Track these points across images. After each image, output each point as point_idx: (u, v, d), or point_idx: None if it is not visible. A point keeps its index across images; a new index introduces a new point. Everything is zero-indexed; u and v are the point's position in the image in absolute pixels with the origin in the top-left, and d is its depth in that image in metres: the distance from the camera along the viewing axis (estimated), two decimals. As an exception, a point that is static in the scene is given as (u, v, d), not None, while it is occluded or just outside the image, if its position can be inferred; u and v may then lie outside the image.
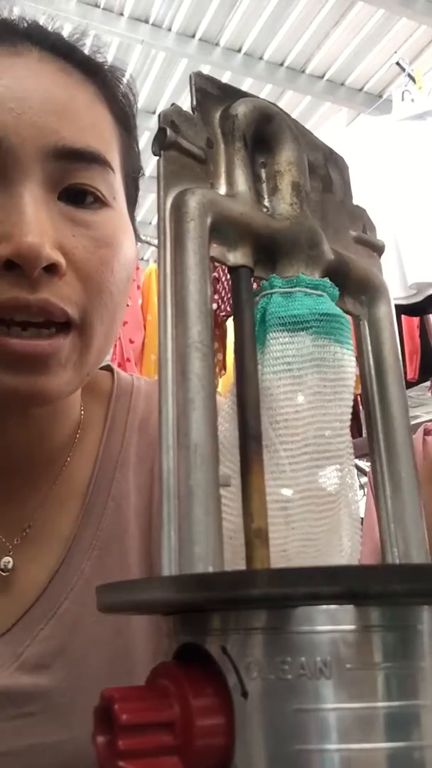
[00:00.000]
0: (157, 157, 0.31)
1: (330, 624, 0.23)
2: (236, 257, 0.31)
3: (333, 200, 0.37)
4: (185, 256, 0.29)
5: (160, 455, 0.26)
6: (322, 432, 0.30)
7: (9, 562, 0.53)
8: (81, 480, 0.57)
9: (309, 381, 0.30)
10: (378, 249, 0.38)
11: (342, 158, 0.39)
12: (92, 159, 0.47)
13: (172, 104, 0.32)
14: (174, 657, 0.25)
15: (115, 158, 0.51)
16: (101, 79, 0.52)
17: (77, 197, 0.47)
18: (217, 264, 0.31)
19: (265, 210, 0.33)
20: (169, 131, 0.30)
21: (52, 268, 0.45)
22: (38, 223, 0.44)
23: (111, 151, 0.50)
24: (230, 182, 0.32)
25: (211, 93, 0.33)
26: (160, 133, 0.31)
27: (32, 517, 0.55)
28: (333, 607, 0.23)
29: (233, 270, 0.32)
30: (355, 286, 0.35)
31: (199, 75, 0.34)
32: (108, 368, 0.65)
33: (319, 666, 0.23)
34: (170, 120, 0.31)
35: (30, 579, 0.54)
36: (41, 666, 0.52)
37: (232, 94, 0.35)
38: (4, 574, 0.53)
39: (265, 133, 0.34)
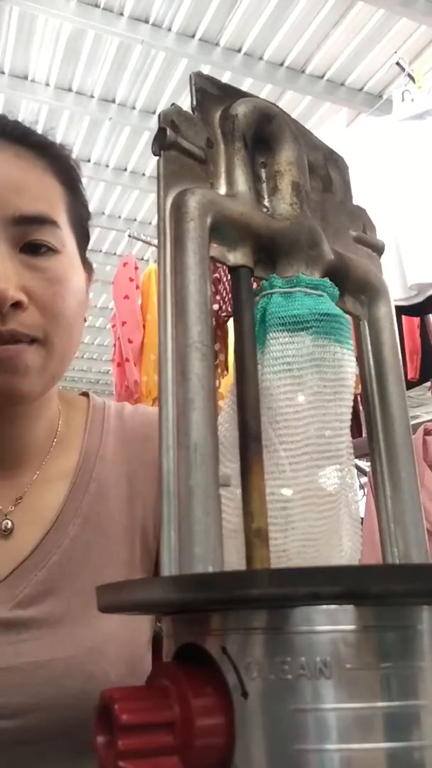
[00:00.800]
0: (157, 157, 0.31)
1: (330, 624, 0.23)
2: (236, 257, 0.31)
3: (333, 200, 0.37)
4: (185, 256, 0.29)
5: (160, 455, 0.26)
6: (322, 432, 0.30)
7: (9, 523, 0.68)
8: (67, 467, 0.73)
9: (309, 381, 0.30)
10: (378, 249, 0.38)
11: (342, 158, 0.39)
12: (43, 221, 0.63)
13: (172, 104, 0.32)
14: (174, 657, 0.25)
15: (61, 216, 0.65)
16: (49, 155, 0.67)
17: (34, 249, 0.63)
18: (218, 264, 0.31)
19: (265, 210, 0.33)
20: (169, 131, 0.30)
21: (17, 305, 0.60)
22: (5, 272, 0.59)
23: (58, 211, 0.65)
24: (230, 182, 0.32)
25: (211, 93, 0.33)
26: (160, 133, 0.31)
27: (23, 491, 0.70)
28: (333, 607, 0.23)
29: (233, 270, 0.31)
30: (355, 286, 0.35)
31: (199, 75, 0.34)
32: (85, 394, 0.83)
33: (319, 666, 0.22)
34: (170, 120, 0.31)
35: (26, 538, 0.68)
36: (34, 603, 0.65)
37: (232, 94, 0.35)
38: (5, 533, 0.68)
39: (265, 133, 0.34)
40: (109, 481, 0.73)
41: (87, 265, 0.73)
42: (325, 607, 0.23)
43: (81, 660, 0.64)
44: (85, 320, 0.72)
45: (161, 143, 0.30)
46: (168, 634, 0.26)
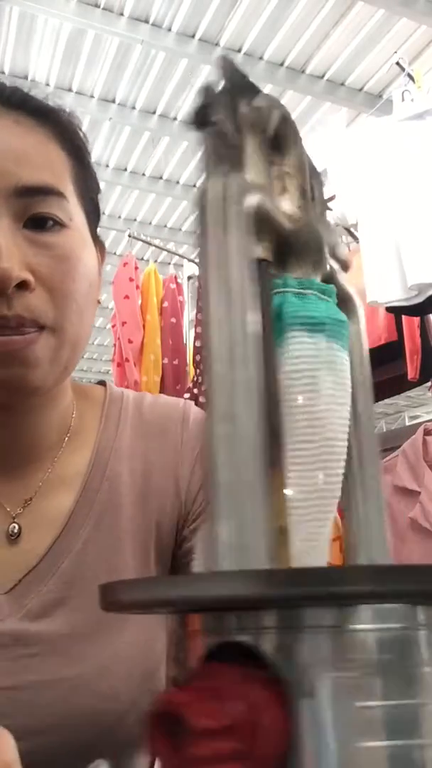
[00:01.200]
0: (201, 133, 0.29)
1: (394, 622, 0.23)
2: (259, 251, 0.30)
3: (316, 212, 0.37)
4: (231, 241, 0.28)
5: (210, 447, 0.26)
6: (333, 434, 0.30)
7: (15, 527, 0.63)
8: (80, 464, 0.67)
9: (323, 382, 0.30)
10: (346, 267, 0.37)
11: (319, 172, 0.39)
12: (47, 192, 0.57)
13: (205, 86, 0.30)
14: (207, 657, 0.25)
15: (68, 187, 0.60)
16: (52, 121, 0.61)
17: (39, 223, 0.57)
18: None
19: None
20: (211, 107, 0.29)
21: (22, 285, 0.55)
22: (8, 250, 0.54)
23: (64, 181, 0.59)
24: (254, 174, 0.31)
25: (238, 81, 0.32)
26: (203, 109, 0.29)
27: (33, 492, 0.65)
28: (398, 605, 0.23)
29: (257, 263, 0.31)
30: (339, 298, 0.35)
31: (226, 59, 0.32)
32: (102, 383, 0.76)
33: (383, 663, 0.23)
34: (212, 95, 0.29)
35: (35, 543, 0.63)
36: (43, 615, 0.60)
37: (252, 86, 0.33)
38: (12, 537, 0.63)
39: (279, 133, 0.33)
40: (123, 478, 0.68)
41: (98, 244, 0.66)
42: (388, 605, 0.23)
43: (90, 678, 0.59)
44: (98, 302, 0.68)
45: (203, 119, 0.28)
46: (195, 633, 0.25)
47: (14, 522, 0.64)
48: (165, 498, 0.68)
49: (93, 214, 0.65)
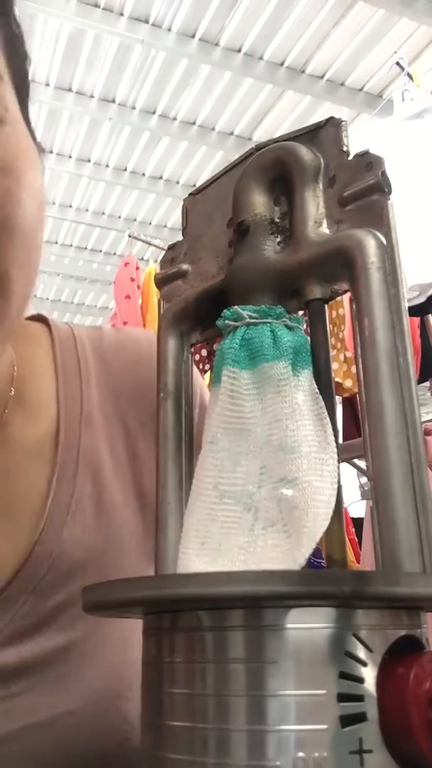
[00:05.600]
0: (388, 201, 0.32)
1: None
2: None
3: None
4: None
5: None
6: None
7: None
8: (39, 435, 0.49)
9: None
10: None
11: None
12: None
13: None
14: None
15: None
16: None
17: None
18: None
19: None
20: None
21: None
22: None
23: None
24: None
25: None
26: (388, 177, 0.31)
27: None
28: None
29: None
30: None
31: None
32: (41, 318, 0.56)
33: None
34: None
35: (2, 555, 0.47)
36: (24, 640, 0.47)
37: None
38: None
39: None
40: (102, 455, 0.51)
41: (39, 146, 0.43)
42: None
43: (95, 710, 0.47)
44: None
45: (390, 187, 0.31)
46: (376, 627, 0.26)
47: None
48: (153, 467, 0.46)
49: (25, 96, 0.42)
